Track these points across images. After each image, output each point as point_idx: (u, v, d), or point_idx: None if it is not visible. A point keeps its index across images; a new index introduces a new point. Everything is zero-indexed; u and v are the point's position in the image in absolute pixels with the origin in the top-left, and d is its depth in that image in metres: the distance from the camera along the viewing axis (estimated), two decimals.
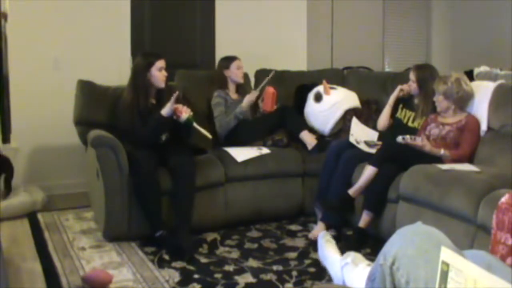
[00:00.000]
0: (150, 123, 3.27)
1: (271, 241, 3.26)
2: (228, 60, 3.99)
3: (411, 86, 3.56)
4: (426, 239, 1.35)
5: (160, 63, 3.36)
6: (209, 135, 3.33)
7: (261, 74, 4.35)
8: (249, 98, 3.86)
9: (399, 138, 3.12)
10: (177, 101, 3.25)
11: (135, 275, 2.70)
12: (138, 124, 3.27)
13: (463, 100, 3.29)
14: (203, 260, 2.91)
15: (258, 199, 3.64)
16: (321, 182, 3.48)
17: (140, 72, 3.36)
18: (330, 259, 2.29)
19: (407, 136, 3.12)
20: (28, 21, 4.28)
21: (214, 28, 5.05)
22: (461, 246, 1.45)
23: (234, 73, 3.96)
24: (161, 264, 2.84)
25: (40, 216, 3.74)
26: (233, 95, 4.00)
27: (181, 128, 3.34)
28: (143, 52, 3.65)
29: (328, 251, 2.34)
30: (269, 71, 4.34)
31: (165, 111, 3.23)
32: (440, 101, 3.29)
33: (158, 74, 3.36)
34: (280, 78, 4.40)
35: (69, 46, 4.41)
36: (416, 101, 3.60)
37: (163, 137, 3.42)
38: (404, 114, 3.63)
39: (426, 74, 3.51)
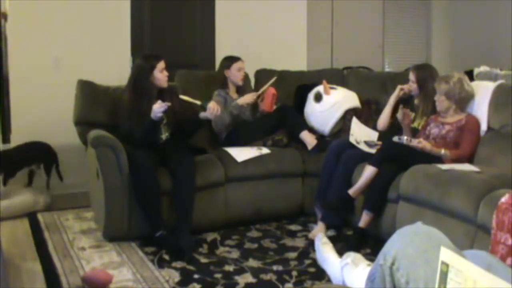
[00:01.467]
0: (144, 125, 3.28)
1: (271, 241, 3.26)
2: (230, 61, 3.99)
3: (412, 86, 3.56)
4: (426, 239, 1.35)
5: (161, 64, 3.39)
6: (198, 101, 3.35)
7: (261, 74, 4.36)
8: (245, 99, 3.85)
9: (395, 138, 3.12)
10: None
11: (135, 275, 2.70)
12: (139, 126, 3.27)
13: (464, 101, 3.29)
14: (203, 260, 2.91)
15: (258, 199, 3.64)
16: (321, 182, 3.48)
17: (142, 76, 3.36)
18: (328, 261, 2.29)
19: (404, 137, 3.12)
20: (28, 21, 4.28)
21: (214, 28, 5.05)
22: (461, 246, 1.45)
23: (234, 75, 3.96)
24: (161, 264, 2.84)
25: (40, 216, 3.74)
26: (234, 95, 3.99)
27: (188, 124, 3.39)
28: (143, 55, 3.65)
29: (326, 253, 2.34)
30: (269, 71, 4.35)
31: (153, 114, 3.22)
32: (441, 101, 3.28)
33: (161, 75, 3.38)
34: (280, 78, 4.40)
35: (69, 46, 4.41)
36: (416, 101, 3.60)
37: (163, 137, 3.42)
38: None
39: (426, 74, 3.50)
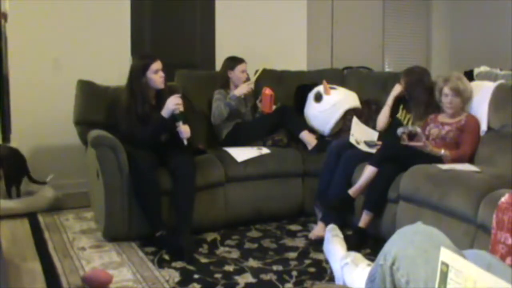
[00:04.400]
0: (150, 124, 3.27)
1: (271, 241, 3.26)
2: (234, 62, 3.98)
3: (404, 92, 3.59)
4: (426, 239, 1.35)
5: (155, 66, 3.33)
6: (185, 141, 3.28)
7: (261, 74, 4.36)
8: (241, 89, 3.84)
9: (399, 130, 3.12)
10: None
11: (135, 275, 2.70)
12: (137, 127, 3.27)
13: (470, 99, 3.30)
14: (203, 260, 2.91)
15: (258, 199, 3.64)
16: (321, 182, 3.48)
17: (136, 77, 3.33)
18: (334, 254, 2.29)
19: (408, 127, 3.12)
20: (28, 21, 4.27)
21: (214, 28, 5.04)
22: (461, 246, 1.45)
23: (237, 76, 3.95)
24: (161, 264, 2.84)
25: (40, 216, 3.74)
26: None
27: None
28: (139, 55, 3.64)
29: (334, 246, 2.33)
30: (270, 71, 4.36)
31: (165, 112, 3.23)
32: (454, 101, 3.25)
33: (155, 76, 3.33)
34: (280, 78, 4.40)
35: (69, 46, 4.41)
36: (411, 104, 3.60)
37: (163, 137, 3.42)
38: (404, 115, 3.64)
39: (412, 79, 3.52)
